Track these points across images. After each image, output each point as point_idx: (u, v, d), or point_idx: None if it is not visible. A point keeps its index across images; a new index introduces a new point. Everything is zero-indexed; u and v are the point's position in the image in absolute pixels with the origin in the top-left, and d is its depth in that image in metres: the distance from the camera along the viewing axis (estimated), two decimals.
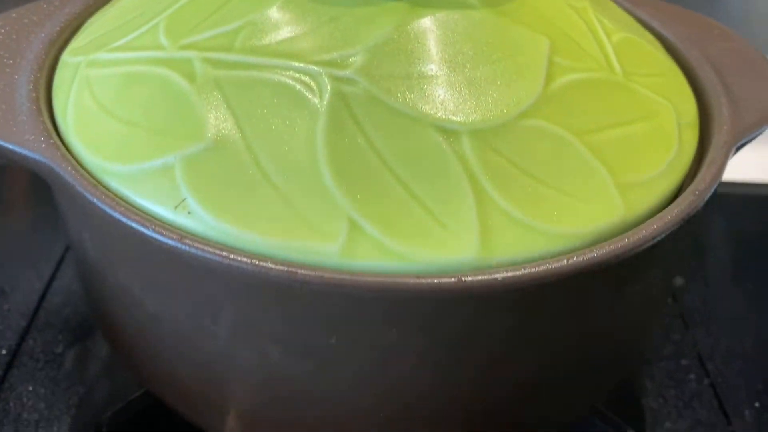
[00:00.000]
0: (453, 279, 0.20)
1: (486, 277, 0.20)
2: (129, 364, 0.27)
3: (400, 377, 0.22)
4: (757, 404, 0.37)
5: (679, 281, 0.45)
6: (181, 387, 0.25)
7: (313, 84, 0.23)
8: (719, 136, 0.26)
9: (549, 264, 0.20)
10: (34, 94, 0.26)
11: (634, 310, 0.24)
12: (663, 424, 0.36)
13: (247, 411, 0.24)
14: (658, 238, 0.21)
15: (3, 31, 0.29)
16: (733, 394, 0.38)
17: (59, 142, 0.24)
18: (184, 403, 0.26)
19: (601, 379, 0.26)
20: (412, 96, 0.22)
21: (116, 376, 0.37)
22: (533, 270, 0.20)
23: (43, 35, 0.29)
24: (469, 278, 0.20)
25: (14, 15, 0.30)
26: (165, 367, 0.25)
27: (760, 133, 0.27)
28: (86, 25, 0.29)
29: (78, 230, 0.25)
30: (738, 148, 0.26)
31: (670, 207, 0.22)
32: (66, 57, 0.27)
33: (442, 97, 0.22)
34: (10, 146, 0.24)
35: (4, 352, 0.37)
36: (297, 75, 0.23)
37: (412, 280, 0.20)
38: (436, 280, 0.20)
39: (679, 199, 0.23)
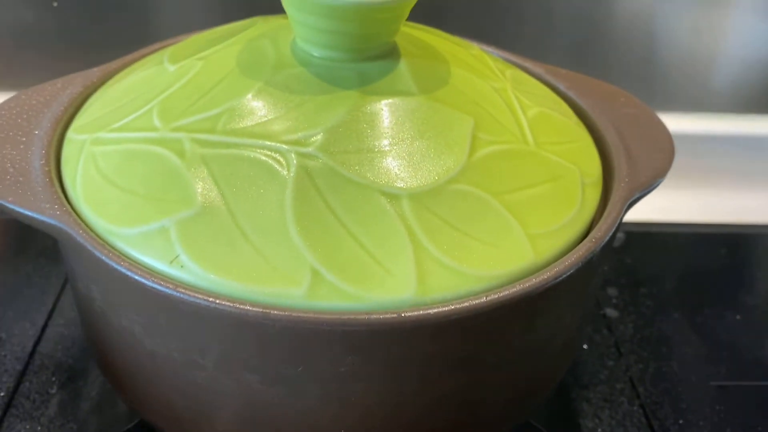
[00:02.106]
0: (395, 315, 0.24)
1: (421, 312, 0.24)
2: (126, 395, 0.30)
3: (356, 397, 0.26)
4: (681, 421, 0.41)
5: (613, 314, 0.50)
6: (173, 414, 0.29)
7: (282, 159, 0.27)
8: (617, 192, 0.30)
9: (471, 301, 0.25)
10: (46, 168, 0.29)
11: (549, 338, 0.29)
12: None
13: None
14: (561, 278, 0.26)
15: (14, 111, 0.32)
16: (660, 413, 0.41)
17: (71, 209, 0.28)
18: (176, 429, 0.29)
19: (526, 395, 0.30)
20: (362, 167, 0.27)
21: (106, 413, 0.39)
22: (459, 306, 0.24)
23: (49, 114, 0.32)
24: (408, 314, 0.24)
25: (23, 96, 0.33)
26: (159, 397, 0.29)
27: (653, 188, 0.33)
28: (86, 104, 0.33)
29: (86, 283, 0.28)
30: (633, 202, 0.32)
31: (570, 253, 0.27)
32: (71, 134, 0.31)
33: (386, 168, 0.27)
34: (31, 213, 0.27)
35: (2, 393, 0.39)
36: (269, 152, 0.27)
37: (362, 316, 0.24)
38: (381, 316, 0.24)
39: (579, 247, 0.27)
